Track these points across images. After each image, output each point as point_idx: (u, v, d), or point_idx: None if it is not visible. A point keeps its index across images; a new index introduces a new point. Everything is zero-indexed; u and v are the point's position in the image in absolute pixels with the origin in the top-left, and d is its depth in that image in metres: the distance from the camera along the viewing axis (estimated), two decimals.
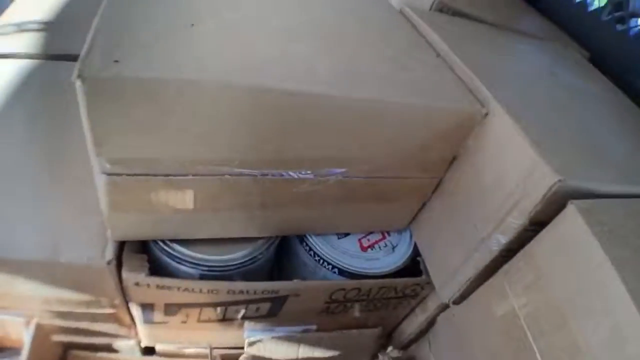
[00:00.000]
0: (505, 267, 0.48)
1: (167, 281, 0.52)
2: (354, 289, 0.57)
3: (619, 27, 0.77)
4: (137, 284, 0.52)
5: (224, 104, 0.40)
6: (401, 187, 0.54)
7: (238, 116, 0.41)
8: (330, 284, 0.56)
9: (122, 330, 0.61)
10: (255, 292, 0.54)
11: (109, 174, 0.43)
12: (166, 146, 0.42)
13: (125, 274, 0.51)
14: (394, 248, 0.61)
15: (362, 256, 0.59)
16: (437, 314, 0.62)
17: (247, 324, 0.61)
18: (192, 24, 0.44)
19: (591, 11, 0.83)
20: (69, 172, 0.56)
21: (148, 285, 0.52)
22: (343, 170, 0.49)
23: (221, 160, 0.45)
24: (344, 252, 0.58)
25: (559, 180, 0.41)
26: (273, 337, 0.61)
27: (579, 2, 0.84)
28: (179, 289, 0.52)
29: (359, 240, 0.60)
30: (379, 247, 0.60)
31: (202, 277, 0.53)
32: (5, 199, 0.52)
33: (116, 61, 0.36)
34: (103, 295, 0.54)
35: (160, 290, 0.53)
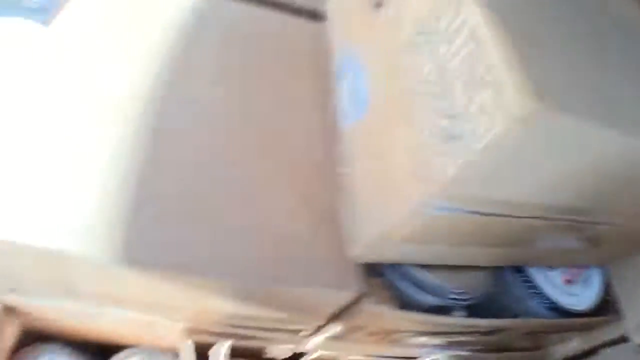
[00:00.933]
0: None
1: (414, 316, 0.44)
2: (561, 325, 0.54)
3: None
4: (375, 314, 0.43)
5: None
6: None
7: None
8: (548, 322, 0.52)
9: (290, 340, 0.53)
10: (480, 327, 0.49)
11: (439, 209, 0.34)
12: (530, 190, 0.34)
13: (367, 306, 0.42)
14: (586, 281, 0.58)
15: (566, 291, 0.55)
16: (604, 346, 0.61)
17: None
18: None
19: None
20: (293, 162, 0.44)
21: (384, 315, 0.44)
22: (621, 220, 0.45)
23: (556, 208, 0.38)
24: (555, 286, 0.54)
25: None
26: (450, 356, 0.57)
27: None
28: (418, 322, 0.45)
29: (562, 272, 0.56)
30: (577, 281, 0.57)
31: (434, 307, 0.47)
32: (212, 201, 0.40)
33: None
34: (311, 317, 0.46)
35: (392, 320, 0.45)
